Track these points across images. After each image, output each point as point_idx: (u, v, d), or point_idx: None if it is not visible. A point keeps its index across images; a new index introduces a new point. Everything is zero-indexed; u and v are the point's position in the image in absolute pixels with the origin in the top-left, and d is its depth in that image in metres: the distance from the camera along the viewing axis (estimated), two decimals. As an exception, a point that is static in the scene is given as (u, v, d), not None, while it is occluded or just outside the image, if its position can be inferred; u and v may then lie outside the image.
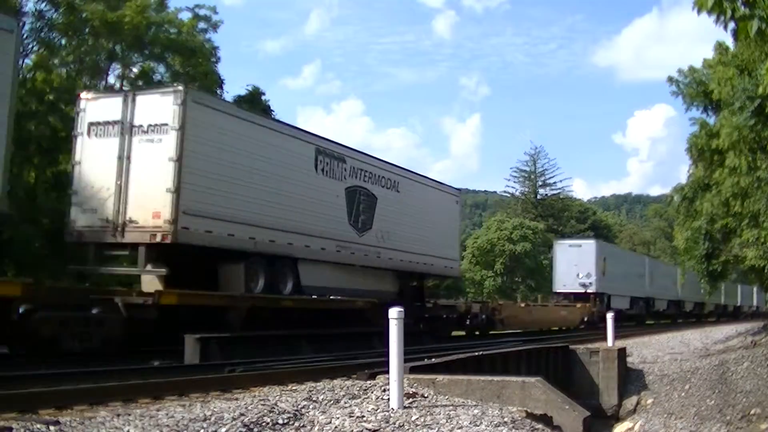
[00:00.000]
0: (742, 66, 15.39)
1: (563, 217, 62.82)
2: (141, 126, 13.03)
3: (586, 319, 32.11)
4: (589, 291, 33.78)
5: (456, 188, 24.27)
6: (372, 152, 23.14)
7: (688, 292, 47.96)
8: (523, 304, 33.37)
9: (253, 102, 30.14)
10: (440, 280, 30.76)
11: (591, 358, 14.47)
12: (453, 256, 23.38)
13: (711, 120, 18.74)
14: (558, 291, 35.83)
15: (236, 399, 7.17)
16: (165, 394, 7.32)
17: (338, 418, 6.35)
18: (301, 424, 6.18)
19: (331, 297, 16.39)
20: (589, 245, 35.57)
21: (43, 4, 22.88)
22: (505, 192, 69.89)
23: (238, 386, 8.15)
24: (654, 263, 48.15)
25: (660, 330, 31.16)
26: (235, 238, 13.76)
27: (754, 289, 56.46)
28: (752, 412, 13.06)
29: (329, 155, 16.70)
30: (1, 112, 11.90)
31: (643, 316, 41.26)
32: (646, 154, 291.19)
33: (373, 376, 8.78)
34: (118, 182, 12.98)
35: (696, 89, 19.10)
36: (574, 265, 34.10)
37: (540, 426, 6.93)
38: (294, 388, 8.27)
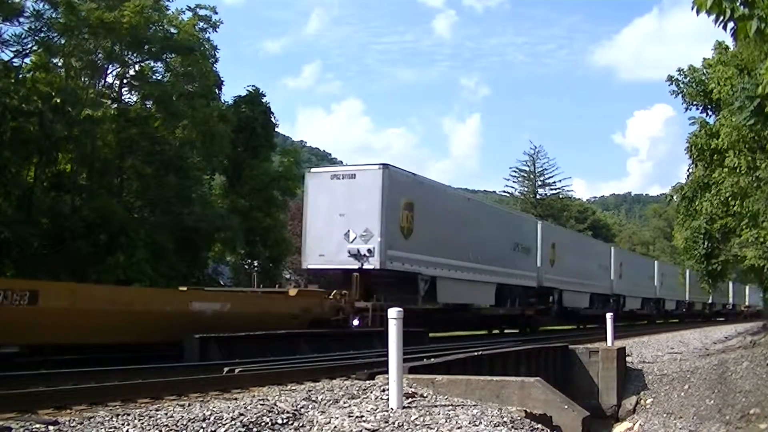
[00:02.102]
0: (741, 65, 15.43)
1: (563, 216, 62.80)
2: None
3: (356, 322, 16.22)
4: (367, 266, 16.99)
5: None
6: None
7: (632, 284, 36.89)
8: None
9: (253, 102, 30.18)
10: None
11: (590, 357, 14.46)
12: None
13: (711, 120, 18.77)
14: (311, 267, 18.16)
15: (235, 399, 7.17)
16: (164, 394, 7.32)
17: (337, 418, 6.35)
18: (301, 424, 6.18)
19: None
20: (369, 175, 17.61)
21: (42, 4, 22.91)
22: (504, 192, 69.86)
23: (237, 386, 8.15)
24: (555, 231, 30.64)
25: (659, 330, 31.13)
26: None
27: (731, 284, 49.79)
28: (751, 411, 13.05)
29: None
30: None
31: (537, 320, 26.79)
32: (645, 153, 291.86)
33: (372, 376, 8.77)
34: None
35: (696, 89, 19.11)
36: (340, 215, 17.43)
37: (539, 426, 6.92)
38: (293, 388, 8.27)
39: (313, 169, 20.25)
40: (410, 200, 18.44)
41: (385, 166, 17.82)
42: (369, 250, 17.13)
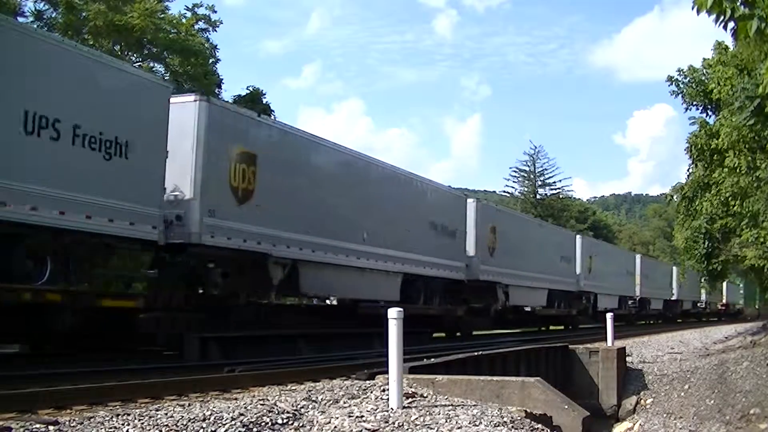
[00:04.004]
0: (741, 66, 15.40)
1: (563, 216, 62.69)
2: None
3: None
4: None
5: None
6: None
7: (535, 268, 24.62)
8: None
9: (254, 102, 30.16)
10: None
11: (590, 358, 14.46)
12: None
13: (711, 120, 18.76)
14: None
15: (235, 399, 7.17)
16: (164, 394, 7.33)
17: (337, 418, 6.35)
18: (301, 424, 6.18)
19: None
20: None
21: (42, 4, 22.92)
22: (504, 192, 69.71)
23: (237, 386, 8.16)
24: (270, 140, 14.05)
25: (659, 330, 31.13)
26: None
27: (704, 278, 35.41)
28: (751, 411, 13.05)
29: None
30: None
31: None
32: (646, 153, 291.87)
33: (372, 376, 8.78)
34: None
35: (696, 89, 19.09)
36: None
37: (539, 426, 6.92)
38: (293, 388, 8.28)
39: None
40: None
41: None
42: None
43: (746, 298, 50.01)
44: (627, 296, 36.03)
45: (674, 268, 42.13)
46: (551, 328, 29.90)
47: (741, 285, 45.52)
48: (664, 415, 13.85)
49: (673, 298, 41.26)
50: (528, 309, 26.00)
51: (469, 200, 21.92)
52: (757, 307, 47.60)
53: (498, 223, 22.81)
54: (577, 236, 31.84)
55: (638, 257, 39.37)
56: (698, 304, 46.03)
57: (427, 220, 19.09)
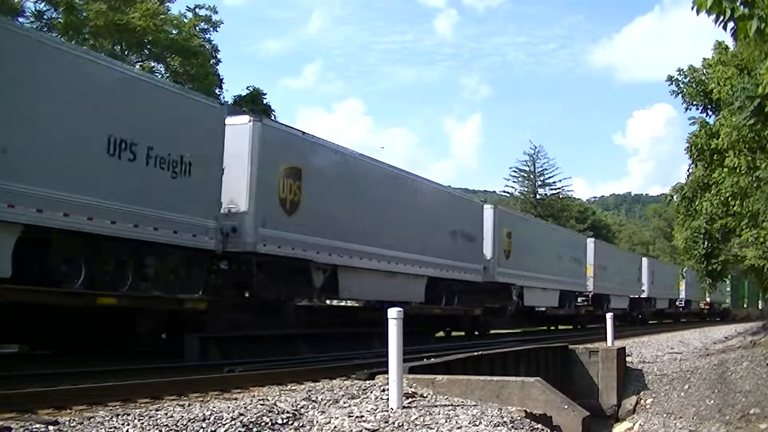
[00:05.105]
0: (741, 65, 15.42)
1: (563, 216, 62.72)
2: None
3: None
4: None
5: None
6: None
7: (440, 250, 18.60)
8: None
9: (254, 102, 30.20)
10: None
11: (590, 357, 14.46)
12: None
13: (711, 120, 18.77)
14: None
15: (235, 399, 7.18)
16: (164, 394, 7.32)
17: (337, 417, 6.35)
18: (300, 424, 6.19)
19: None
20: None
21: (43, 4, 22.94)
22: (504, 192, 69.66)
23: (237, 386, 8.16)
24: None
25: (659, 330, 31.12)
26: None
27: (684, 271, 31.14)
28: (751, 411, 13.04)
29: None
30: None
31: None
32: (646, 153, 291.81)
33: (372, 376, 8.78)
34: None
35: (696, 89, 19.10)
36: None
37: (539, 426, 6.92)
38: (293, 388, 8.28)
39: None
40: None
41: None
42: None
43: (734, 297, 46.08)
44: (574, 291, 28.18)
45: (644, 259, 37.13)
46: (454, 334, 21.62)
47: (728, 283, 39.92)
48: (664, 415, 13.84)
49: (643, 296, 34.77)
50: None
51: (240, 118, 12.95)
52: (745, 306, 45.63)
53: (312, 168, 13.91)
54: (486, 206, 22.66)
55: (590, 242, 30.72)
56: (676, 303, 40.08)
57: (146, 145, 10.77)
